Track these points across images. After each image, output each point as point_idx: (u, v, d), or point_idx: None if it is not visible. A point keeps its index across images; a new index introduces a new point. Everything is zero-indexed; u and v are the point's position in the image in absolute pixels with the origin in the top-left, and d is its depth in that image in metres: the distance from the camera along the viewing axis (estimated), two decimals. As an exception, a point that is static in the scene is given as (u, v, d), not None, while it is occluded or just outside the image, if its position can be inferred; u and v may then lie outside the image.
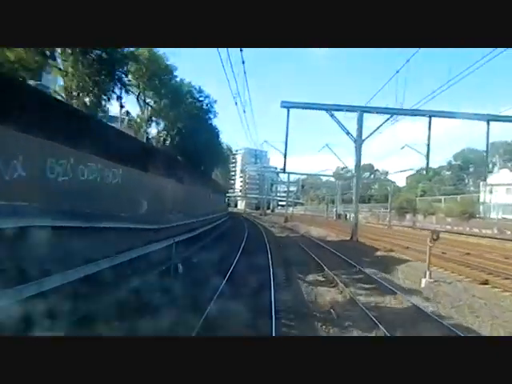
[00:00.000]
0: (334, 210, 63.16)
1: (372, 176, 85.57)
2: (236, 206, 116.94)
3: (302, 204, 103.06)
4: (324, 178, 74.35)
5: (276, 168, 66.24)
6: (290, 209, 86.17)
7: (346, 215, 57.33)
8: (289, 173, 51.05)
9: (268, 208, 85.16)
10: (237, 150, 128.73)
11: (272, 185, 66.14)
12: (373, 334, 6.26)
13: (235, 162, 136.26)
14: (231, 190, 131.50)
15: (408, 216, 43.14)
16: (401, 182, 72.67)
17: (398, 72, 17.06)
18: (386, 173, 74.68)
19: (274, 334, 5.85)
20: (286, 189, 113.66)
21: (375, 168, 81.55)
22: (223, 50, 10.89)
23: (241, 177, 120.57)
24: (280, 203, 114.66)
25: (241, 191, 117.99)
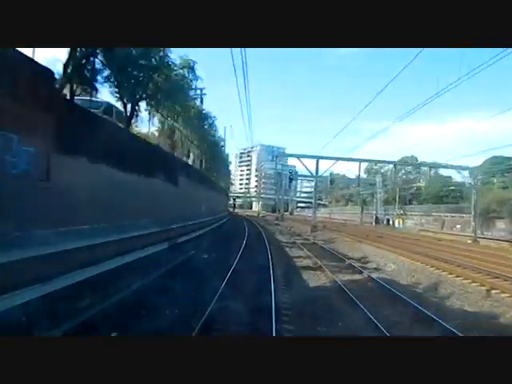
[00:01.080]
0: (374, 212, 49.03)
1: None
2: (251, 207, 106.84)
3: (324, 205, 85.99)
4: (352, 175, 55.20)
5: (294, 167, 50.22)
6: (312, 211, 72.57)
7: (388, 220, 45.70)
8: (318, 157, 34.45)
9: (286, 210, 68.82)
10: (252, 147, 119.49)
11: (291, 180, 48.09)
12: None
13: (250, 160, 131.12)
14: (245, 190, 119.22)
15: (500, 223, 28.00)
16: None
17: (399, 74, 16.76)
18: (438, 166, 53.89)
19: (274, 335, 5.85)
20: (306, 187, 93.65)
21: (419, 161, 57.38)
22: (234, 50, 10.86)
23: (256, 176, 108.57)
24: (299, 205, 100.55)
25: (256, 191, 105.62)
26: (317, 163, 34.37)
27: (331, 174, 41.04)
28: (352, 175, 54.88)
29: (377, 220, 46.93)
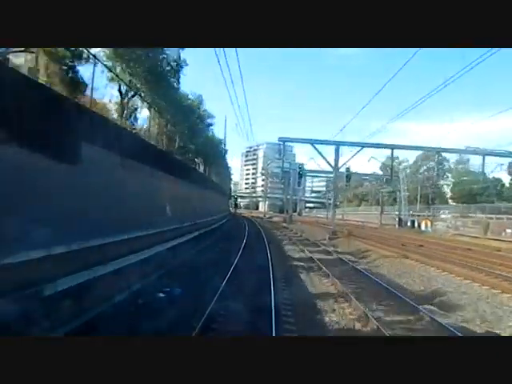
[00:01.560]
0: (396, 213, 42.19)
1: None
2: (257, 208, 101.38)
3: (335, 206, 78.63)
4: (368, 173, 48.03)
5: (303, 165, 43.56)
6: (324, 212, 62.46)
7: (413, 221, 38.42)
8: (338, 143, 25.94)
9: (294, 211, 60.47)
10: (258, 145, 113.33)
11: (301, 176, 39.76)
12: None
13: (256, 159, 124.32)
14: (252, 190, 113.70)
15: None
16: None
17: (395, 75, 16.52)
18: (466, 161, 48.22)
19: (274, 334, 5.86)
20: (316, 186, 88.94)
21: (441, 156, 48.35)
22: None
23: (262, 173, 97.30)
24: (307, 205, 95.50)
25: (262, 191, 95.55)
26: (336, 151, 25.37)
27: (347, 170, 31.55)
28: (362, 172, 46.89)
29: (400, 222, 40.25)
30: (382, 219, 43.07)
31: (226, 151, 43.67)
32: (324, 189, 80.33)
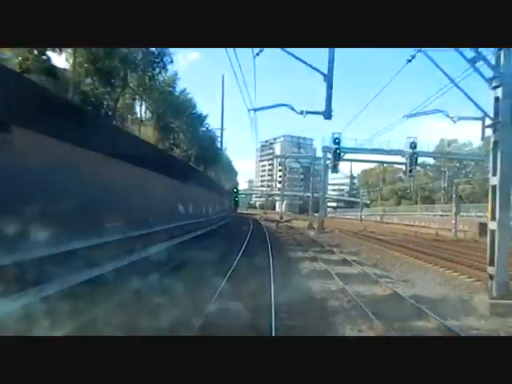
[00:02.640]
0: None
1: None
2: (274, 208, 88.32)
3: (366, 205, 64.05)
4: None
5: (339, 137, 23.62)
6: (353, 213, 55.77)
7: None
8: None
9: (316, 211, 39.09)
10: (275, 139, 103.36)
11: (339, 157, 22.90)
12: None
13: (273, 153, 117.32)
14: (268, 188, 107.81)
15: None
16: None
17: (394, 77, 15.96)
18: None
19: (273, 334, 5.85)
20: (335, 182, 72.60)
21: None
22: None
23: (279, 170, 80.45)
24: (330, 204, 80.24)
25: (279, 189, 76.52)
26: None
27: (413, 145, 18.13)
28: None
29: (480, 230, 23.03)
30: (455, 225, 27.18)
31: (211, 130, 32.74)
32: (346, 186, 70.93)
